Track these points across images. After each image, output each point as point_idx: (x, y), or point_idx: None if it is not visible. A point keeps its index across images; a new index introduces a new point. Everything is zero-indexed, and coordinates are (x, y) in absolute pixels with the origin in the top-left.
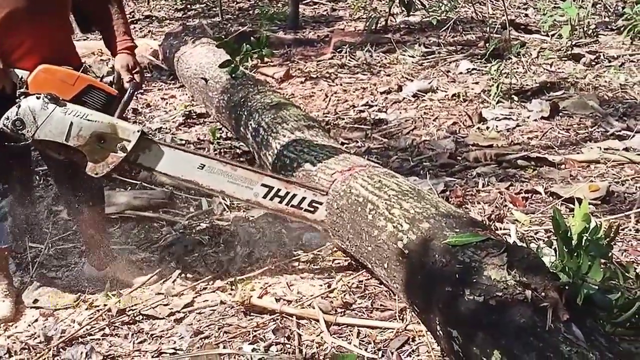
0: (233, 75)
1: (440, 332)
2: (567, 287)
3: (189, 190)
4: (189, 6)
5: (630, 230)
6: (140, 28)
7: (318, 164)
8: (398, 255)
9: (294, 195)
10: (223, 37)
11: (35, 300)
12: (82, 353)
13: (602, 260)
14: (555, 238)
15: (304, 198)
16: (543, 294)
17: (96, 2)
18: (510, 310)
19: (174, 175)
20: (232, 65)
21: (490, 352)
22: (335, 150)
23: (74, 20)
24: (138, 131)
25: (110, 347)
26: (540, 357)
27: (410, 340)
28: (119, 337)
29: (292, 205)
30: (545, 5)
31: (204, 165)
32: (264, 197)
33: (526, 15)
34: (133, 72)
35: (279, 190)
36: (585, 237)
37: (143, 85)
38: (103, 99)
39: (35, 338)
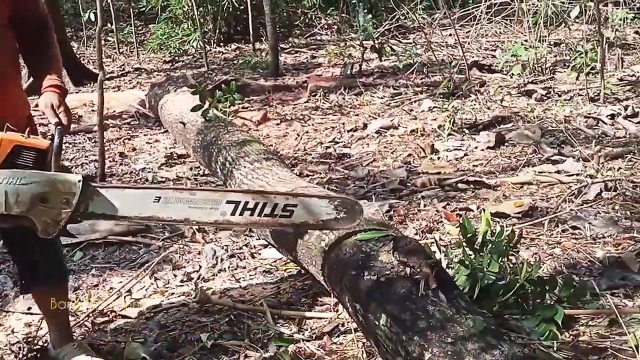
0: (206, 118)
1: (350, 308)
2: (437, 264)
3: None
4: (176, 58)
5: (544, 236)
6: (130, 80)
7: (268, 187)
8: (321, 252)
9: (265, 204)
10: (198, 85)
11: (29, 308)
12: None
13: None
14: (464, 239)
15: (276, 205)
16: (418, 269)
17: (26, 37)
18: (394, 283)
19: (131, 215)
20: (203, 109)
21: (379, 316)
22: (284, 176)
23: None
24: (79, 181)
25: (92, 339)
26: (413, 315)
27: (340, 325)
28: (98, 332)
29: (265, 215)
30: (511, 47)
31: (160, 198)
32: (233, 214)
33: (494, 56)
34: (58, 112)
35: (247, 203)
36: (488, 239)
37: (72, 127)
38: (34, 156)
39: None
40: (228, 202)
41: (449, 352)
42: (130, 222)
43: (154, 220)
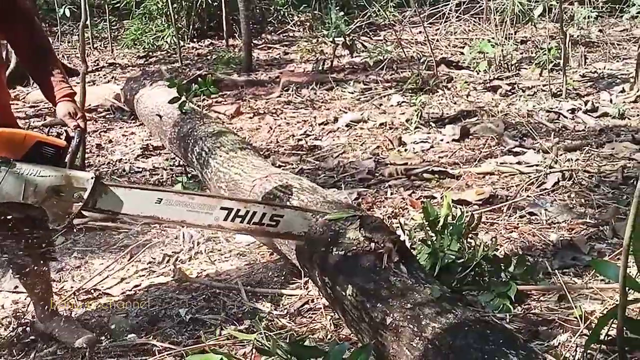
0: (183, 110)
1: (320, 282)
2: (399, 240)
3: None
4: (150, 53)
5: (503, 221)
6: (105, 75)
7: (244, 174)
8: None
9: (254, 213)
10: (176, 80)
11: (16, 287)
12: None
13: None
14: (426, 222)
15: (264, 214)
16: (382, 244)
17: (29, 56)
18: (360, 258)
19: (133, 213)
20: (180, 101)
21: (346, 287)
22: (258, 164)
23: None
24: (92, 178)
25: (77, 315)
26: (377, 285)
27: (310, 301)
28: (83, 308)
29: (253, 223)
30: (479, 44)
31: (161, 199)
32: (225, 219)
33: (462, 53)
34: (76, 118)
35: (238, 210)
36: (448, 222)
37: (48, 120)
38: (53, 152)
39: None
40: (222, 208)
41: (409, 317)
42: (132, 219)
43: (154, 219)
